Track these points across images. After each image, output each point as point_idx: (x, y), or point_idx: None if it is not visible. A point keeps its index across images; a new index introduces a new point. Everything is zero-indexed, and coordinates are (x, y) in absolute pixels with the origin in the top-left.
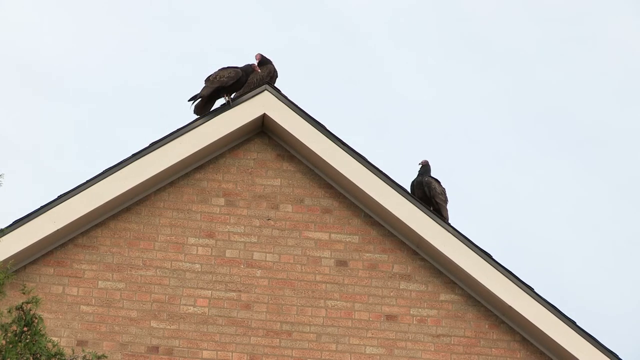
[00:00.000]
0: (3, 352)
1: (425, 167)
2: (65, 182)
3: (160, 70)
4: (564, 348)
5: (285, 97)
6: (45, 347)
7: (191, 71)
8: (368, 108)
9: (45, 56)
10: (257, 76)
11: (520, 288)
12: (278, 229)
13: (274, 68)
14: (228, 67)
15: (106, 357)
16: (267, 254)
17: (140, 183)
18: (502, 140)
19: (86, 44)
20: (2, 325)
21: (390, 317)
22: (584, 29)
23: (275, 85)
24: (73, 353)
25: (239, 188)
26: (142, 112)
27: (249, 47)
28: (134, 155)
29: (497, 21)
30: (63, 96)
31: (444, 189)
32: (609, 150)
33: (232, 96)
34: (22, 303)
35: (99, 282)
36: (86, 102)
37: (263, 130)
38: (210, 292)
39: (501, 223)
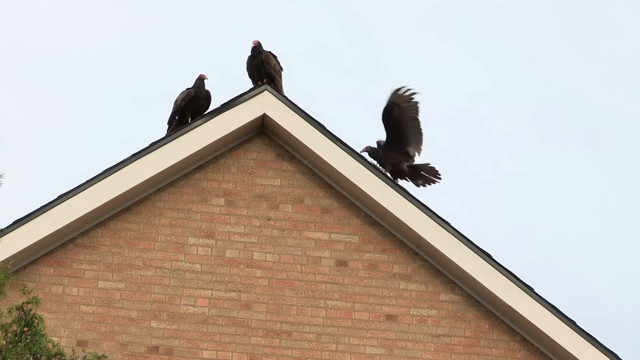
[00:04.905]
0: (3, 352)
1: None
2: (70, 175)
3: (170, 60)
4: (564, 348)
5: (285, 97)
6: (45, 347)
7: (199, 61)
8: (372, 101)
9: (51, 44)
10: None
11: (520, 288)
12: (278, 229)
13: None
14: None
15: (106, 357)
16: (267, 254)
17: (140, 183)
18: (511, 130)
19: (91, 37)
20: (2, 326)
21: (390, 317)
22: (594, 16)
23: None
24: (73, 353)
25: (239, 188)
26: (150, 105)
27: (257, 38)
28: (134, 155)
29: (507, 8)
30: (68, 89)
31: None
32: (620, 139)
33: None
34: (22, 303)
35: (99, 282)
36: (92, 95)
37: (263, 130)
38: (210, 292)
39: (509, 214)
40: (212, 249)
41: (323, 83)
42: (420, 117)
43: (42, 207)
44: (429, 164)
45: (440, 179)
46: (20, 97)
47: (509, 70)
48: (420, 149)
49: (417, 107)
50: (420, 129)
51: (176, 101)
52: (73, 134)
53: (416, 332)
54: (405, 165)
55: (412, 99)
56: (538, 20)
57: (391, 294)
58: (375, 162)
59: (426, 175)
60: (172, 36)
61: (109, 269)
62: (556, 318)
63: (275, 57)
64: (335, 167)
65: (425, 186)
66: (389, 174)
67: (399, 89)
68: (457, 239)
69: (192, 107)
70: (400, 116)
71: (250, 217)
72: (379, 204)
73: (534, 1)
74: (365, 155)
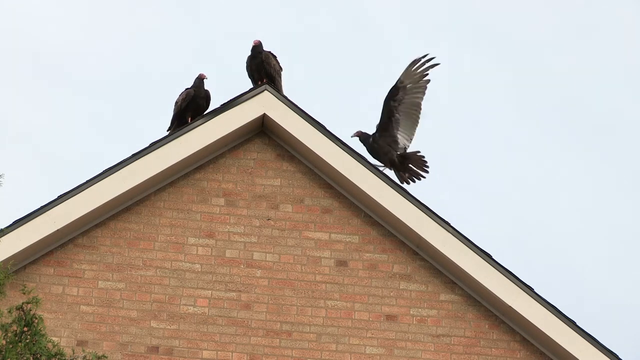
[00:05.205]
0: (3, 352)
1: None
2: (70, 175)
3: (170, 60)
4: (564, 348)
5: (285, 97)
6: (45, 347)
7: (200, 61)
8: (372, 101)
9: (55, 47)
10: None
11: (520, 288)
12: (278, 229)
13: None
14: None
15: (106, 357)
16: (267, 254)
17: (140, 183)
18: (513, 130)
19: (96, 34)
20: (2, 325)
21: (390, 317)
22: (597, 17)
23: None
24: (73, 353)
25: (239, 188)
26: (150, 105)
27: (259, 34)
28: (134, 155)
29: (509, 9)
30: (74, 87)
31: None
32: (622, 139)
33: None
34: (22, 303)
35: (99, 282)
36: (99, 92)
37: (263, 130)
38: (210, 292)
39: (511, 214)
40: (212, 249)
41: (323, 83)
42: (425, 101)
43: (42, 207)
44: (418, 152)
45: (427, 172)
46: (21, 97)
47: (510, 70)
48: (411, 139)
49: (424, 90)
50: (418, 117)
51: (176, 103)
52: (73, 133)
53: (416, 332)
54: (395, 155)
55: (425, 76)
56: (541, 22)
57: (391, 294)
58: (365, 148)
59: (414, 168)
60: (172, 36)
61: (109, 269)
62: (556, 318)
63: (275, 57)
64: (335, 167)
65: (409, 183)
66: (382, 165)
67: (414, 62)
68: (457, 239)
69: (191, 107)
70: (403, 99)
71: (250, 217)
72: (379, 204)
73: (537, 2)
74: (356, 140)
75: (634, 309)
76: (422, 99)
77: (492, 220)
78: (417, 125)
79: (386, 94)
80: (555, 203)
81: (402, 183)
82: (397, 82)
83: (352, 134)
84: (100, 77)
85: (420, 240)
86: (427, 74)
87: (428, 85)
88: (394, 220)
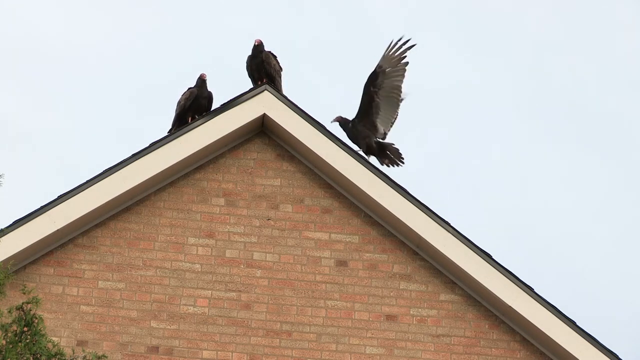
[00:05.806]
0: (3, 352)
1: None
2: (70, 175)
3: (170, 60)
4: (564, 348)
5: (285, 97)
6: (45, 347)
7: (200, 61)
8: None
9: (55, 46)
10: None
11: (520, 288)
12: (278, 229)
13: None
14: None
15: (106, 357)
16: (267, 254)
17: (140, 183)
18: (513, 130)
19: (96, 34)
20: (2, 325)
21: (390, 317)
22: (597, 17)
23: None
24: (73, 353)
25: (239, 188)
26: (150, 105)
27: (259, 34)
28: (134, 155)
29: (509, 9)
30: (74, 87)
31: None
32: (622, 139)
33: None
34: (22, 303)
35: (99, 282)
36: (93, 95)
37: (263, 130)
38: (210, 292)
39: (511, 214)
40: (212, 249)
41: (323, 83)
42: (404, 84)
43: (42, 207)
44: (393, 144)
45: (403, 163)
46: (21, 97)
47: (510, 70)
48: (390, 126)
49: (404, 72)
50: (399, 101)
51: (179, 102)
52: (73, 133)
53: (416, 332)
54: (373, 141)
55: (403, 59)
56: (541, 22)
57: (391, 294)
58: (345, 133)
59: (391, 156)
60: (172, 36)
61: (109, 269)
62: (556, 318)
63: (275, 57)
64: (335, 167)
65: (389, 167)
66: (361, 151)
67: (391, 44)
68: (457, 239)
69: (194, 106)
70: (382, 84)
71: (250, 217)
72: (379, 204)
73: (537, 2)
74: (336, 125)
75: (634, 309)
76: (401, 81)
77: (492, 220)
78: (397, 109)
79: (366, 79)
80: (555, 203)
81: (382, 165)
82: (376, 68)
83: (332, 119)
84: (100, 77)
85: (420, 240)
86: (405, 56)
87: (407, 68)
88: (394, 220)
